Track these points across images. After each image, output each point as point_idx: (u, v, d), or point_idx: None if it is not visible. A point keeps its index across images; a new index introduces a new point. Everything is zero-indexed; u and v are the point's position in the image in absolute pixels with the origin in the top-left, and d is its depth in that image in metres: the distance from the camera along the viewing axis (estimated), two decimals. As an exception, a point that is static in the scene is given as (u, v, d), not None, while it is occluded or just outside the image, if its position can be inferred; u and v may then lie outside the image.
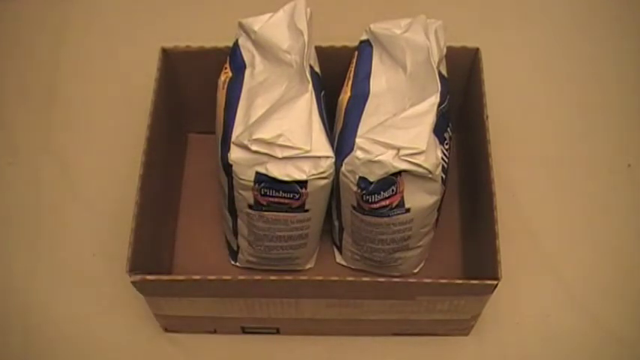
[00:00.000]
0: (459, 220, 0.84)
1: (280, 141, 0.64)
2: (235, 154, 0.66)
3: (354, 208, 0.70)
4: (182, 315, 0.74)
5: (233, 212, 0.73)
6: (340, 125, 0.70)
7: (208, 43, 0.77)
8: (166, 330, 0.79)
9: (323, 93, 0.72)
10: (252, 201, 0.69)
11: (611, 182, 0.88)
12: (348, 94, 0.71)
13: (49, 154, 0.90)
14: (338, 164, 0.67)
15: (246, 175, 0.67)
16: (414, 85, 0.69)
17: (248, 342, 0.78)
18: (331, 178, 0.67)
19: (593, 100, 0.94)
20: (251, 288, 0.69)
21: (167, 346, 0.79)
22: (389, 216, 0.69)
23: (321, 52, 0.74)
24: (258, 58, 0.71)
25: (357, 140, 0.65)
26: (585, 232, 0.85)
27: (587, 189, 0.87)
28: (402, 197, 0.67)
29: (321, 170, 0.66)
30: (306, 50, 0.67)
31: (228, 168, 0.68)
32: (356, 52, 0.74)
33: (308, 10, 0.70)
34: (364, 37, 0.73)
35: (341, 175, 0.68)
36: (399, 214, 0.69)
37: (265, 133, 0.64)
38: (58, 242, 0.84)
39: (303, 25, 0.69)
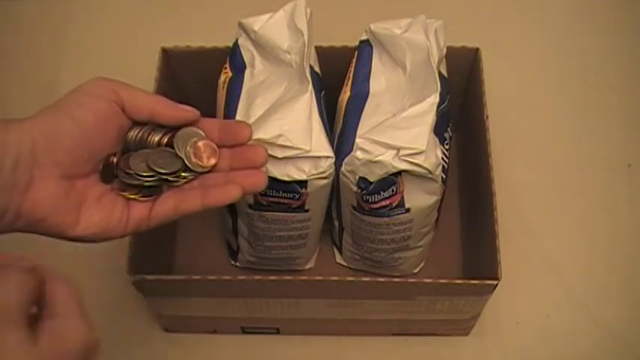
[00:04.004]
0: (459, 220, 0.84)
1: (280, 141, 0.64)
2: (235, 154, 0.66)
3: (354, 208, 0.70)
4: (182, 315, 0.74)
5: (233, 212, 0.73)
6: (340, 125, 0.70)
7: (208, 43, 0.77)
8: (166, 330, 0.79)
9: (323, 93, 0.71)
10: (252, 201, 0.69)
11: (611, 182, 0.88)
12: (348, 94, 0.71)
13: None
14: (338, 164, 0.67)
15: (246, 175, 0.67)
16: (414, 85, 0.69)
17: (248, 342, 0.78)
18: (331, 178, 0.67)
19: (593, 100, 0.94)
20: (251, 288, 0.69)
21: (167, 346, 0.79)
22: (389, 216, 0.69)
23: (321, 52, 0.74)
24: (258, 58, 0.71)
25: (357, 140, 0.65)
26: (585, 232, 0.85)
27: (587, 189, 0.87)
28: (402, 197, 0.67)
29: (321, 170, 0.66)
30: (306, 50, 0.67)
31: (228, 168, 0.68)
32: (356, 52, 0.74)
33: (308, 10, 0.70)
34: (364, 37, 0.73)
35: (341, 175, 0.68)
36: (399, 214, 0.69)
37: (265, 133, 0.64)
38: (58, 242, 0.84)
39: (303, 25, 0.69)
